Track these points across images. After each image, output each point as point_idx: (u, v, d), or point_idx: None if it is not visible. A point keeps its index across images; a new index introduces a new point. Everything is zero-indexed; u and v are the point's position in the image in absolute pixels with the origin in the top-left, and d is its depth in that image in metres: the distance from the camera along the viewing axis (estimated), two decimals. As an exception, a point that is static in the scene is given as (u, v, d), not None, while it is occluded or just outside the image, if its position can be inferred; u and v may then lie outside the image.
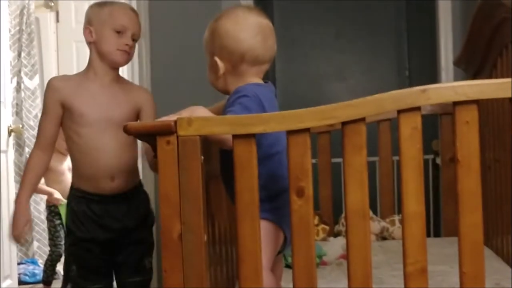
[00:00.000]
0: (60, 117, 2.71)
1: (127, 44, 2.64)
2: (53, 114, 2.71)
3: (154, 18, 4.40)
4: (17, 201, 2.67)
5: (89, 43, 2.72)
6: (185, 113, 1.83)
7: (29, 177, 2.67)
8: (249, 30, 2.07)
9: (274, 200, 1.99)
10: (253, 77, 2.11)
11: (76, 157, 2.72)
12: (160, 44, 4.39)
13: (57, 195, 4.94)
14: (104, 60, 2.68)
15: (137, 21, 2.72)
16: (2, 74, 4.54)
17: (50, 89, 2.69)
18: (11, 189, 4.92)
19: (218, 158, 2.12)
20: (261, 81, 2.13)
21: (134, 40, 2.68)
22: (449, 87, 1.77)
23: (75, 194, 2.73)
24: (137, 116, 2.70)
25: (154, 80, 4.33)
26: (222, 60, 2.09)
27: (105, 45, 2.64)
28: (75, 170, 2.75)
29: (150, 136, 1.80)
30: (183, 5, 4.47)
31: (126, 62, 2.73)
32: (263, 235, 1.83)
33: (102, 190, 2.66)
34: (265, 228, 1.91)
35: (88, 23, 2.70)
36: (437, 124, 4.19)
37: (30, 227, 2.70)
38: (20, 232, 2.63)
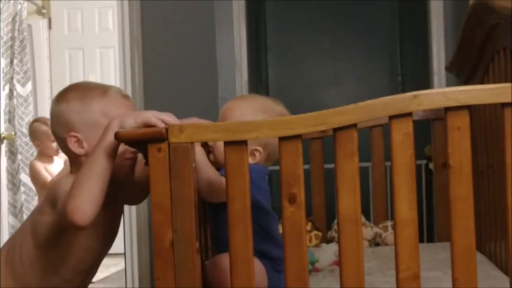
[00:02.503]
0: None
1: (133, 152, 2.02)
2: None
3: (146, 20, 4.39)
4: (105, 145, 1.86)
5: (75, 157, 2.04)
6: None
7: None
8: None
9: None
10: None
11: (54, 255, 2.06)
12: (153, 48, 4.38)
13: None
14: None
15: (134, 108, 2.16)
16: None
17: None
18: (3, 196, 4.91)
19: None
20: None
21: None
22: (440, 93, 1.77)
23: None
24: None
25: (146, 85, 4.33)
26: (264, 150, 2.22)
27: None
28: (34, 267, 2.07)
29: (141, 144, 1.80)
30: (176, 7, 4.46)
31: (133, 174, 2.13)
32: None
33: None
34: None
35: (69, 128, 2.02)
36: (429, 129, 4.19)
37: None
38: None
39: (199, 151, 1.97)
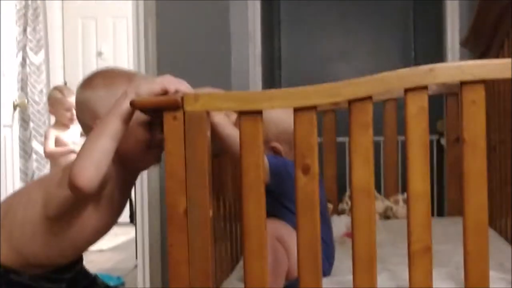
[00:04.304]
0: None
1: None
2: None
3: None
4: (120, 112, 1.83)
5: None
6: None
7: None
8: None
9: None
10: None
11: (61, 231, 2.03)
12: (166, 19, 4.37)
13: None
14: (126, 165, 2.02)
15: None
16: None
17: None
18: (15, 164, 4.94)
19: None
20: None
21: None
22: (456, 66, 1.77)
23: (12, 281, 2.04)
24: None
25: (159, 56, 4.32)
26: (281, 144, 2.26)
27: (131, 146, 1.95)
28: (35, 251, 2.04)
29: (157, 112, 1.80)
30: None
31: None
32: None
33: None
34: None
35: (95, 115, 1.98)
36: (441, 105, 4.18)
37: None
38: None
39: (226, 123, 1.99)
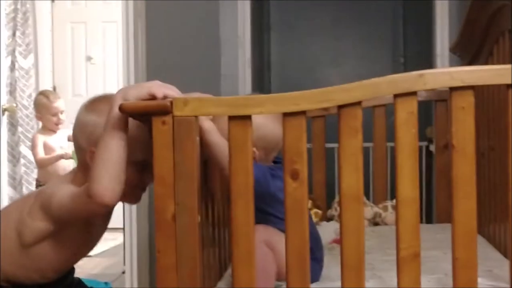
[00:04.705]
0: None
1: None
2: None
3: (150, -1, 4.38)
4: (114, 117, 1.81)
5: (88, 168, 1.88)
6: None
7: None
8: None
9: None
10: None
11: (37, 257, 2.01)
12: (156, 23, 4.36)
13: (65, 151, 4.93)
14: None
15: None
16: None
17: None
18: (3, 168, 4.91)
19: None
20: None
21: None
22: (446, 73, 1.78)
23: None
24: None
25: (149, 60, 4.31)
26: (258, 149, 2.16)
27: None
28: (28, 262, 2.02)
29: (145, 116, 1.80)
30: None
31: None
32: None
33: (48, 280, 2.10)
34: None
35: (92, 142, 1.92)
36: (431, 111, 4.19)
37: None
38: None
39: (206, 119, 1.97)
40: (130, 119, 1.83)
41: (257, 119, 2.17)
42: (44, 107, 4.99)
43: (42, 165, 5.08)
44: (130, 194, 1.99)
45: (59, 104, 5.00)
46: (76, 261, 2.14)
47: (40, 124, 5.28)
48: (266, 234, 2.10)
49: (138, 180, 1.97)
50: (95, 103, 2.02)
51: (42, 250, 1.99)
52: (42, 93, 5.16)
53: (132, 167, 1.90)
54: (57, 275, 2.10)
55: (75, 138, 2.05)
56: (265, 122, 2.16)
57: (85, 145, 1.97)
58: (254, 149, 2.13)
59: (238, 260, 1.80)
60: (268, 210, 2.15)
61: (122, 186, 1.81)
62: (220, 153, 1.93)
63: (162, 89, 1.81)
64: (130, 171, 1.88)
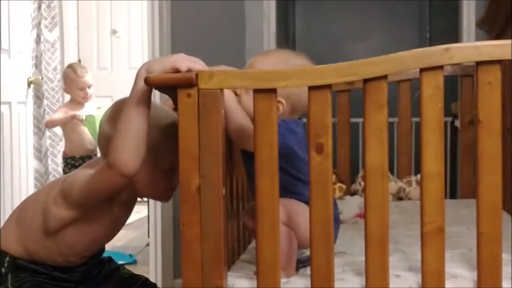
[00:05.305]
0: None
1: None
2: None
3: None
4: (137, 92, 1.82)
5: None
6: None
7: None
8: None
9: None
10: None
11: (61, 243, 2.07)
12: (181, 4, 4.34)
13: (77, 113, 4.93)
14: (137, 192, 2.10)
15: None
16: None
17: None
18: (29, 141, 4.94)
19: None
20: None
21: None
22: (472, 47, 1.76)
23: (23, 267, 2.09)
24: None
25: (174, 35, 4.31)
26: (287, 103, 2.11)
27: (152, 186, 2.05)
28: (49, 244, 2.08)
29: (171, 89, 1.80)
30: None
31: None
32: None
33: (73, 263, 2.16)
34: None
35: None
36: (456, 86, 4.16)
37: None
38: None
39: (230, 96, 1.96)
40: (153, 134, 1.91)
41: None
42: (72, 80, 4.98)
43: (51, 124, 5.10)
44: (162, 196, 2.13)
45: (87, 78, 4.99)
46: (98, 248, 2.20)
47: (67, 96, 5.30)
48: (285, 213, 2.05)
49: (168, 185, 2.05)
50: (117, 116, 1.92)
51: (66, 237, 2.04)
52: (71, 66, 5.15)
53: (161, 175, 2.01)
54: (81, 260, 2.16)
55: (100, 147, 2.09)
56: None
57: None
58: (283, 100, 2.10)
59: (263, 233, 1.81)
60: (291, 171, 2.09)
61: (141, 158, 1.83)
62: (234, 118, 1.92)
63: (186, 63, 1.81)
64: (160, 179, 2.02)
